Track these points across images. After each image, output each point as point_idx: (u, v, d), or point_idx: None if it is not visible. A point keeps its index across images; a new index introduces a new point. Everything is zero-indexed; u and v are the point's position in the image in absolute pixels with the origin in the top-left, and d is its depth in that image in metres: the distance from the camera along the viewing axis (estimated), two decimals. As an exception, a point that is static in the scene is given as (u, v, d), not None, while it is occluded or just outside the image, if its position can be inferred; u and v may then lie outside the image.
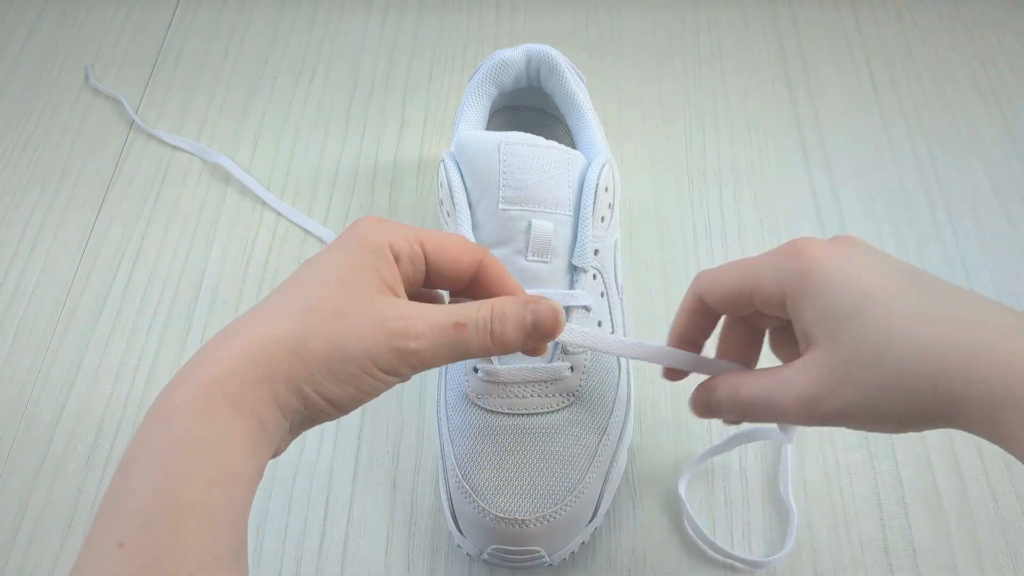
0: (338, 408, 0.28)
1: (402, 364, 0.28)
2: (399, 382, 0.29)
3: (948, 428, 0.27)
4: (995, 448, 0.45)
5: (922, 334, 0.26)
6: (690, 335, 0.34)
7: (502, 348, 0.30)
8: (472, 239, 0.40)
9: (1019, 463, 0.43)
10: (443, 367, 0.43)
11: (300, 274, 0.29)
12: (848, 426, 0.29)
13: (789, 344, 0.33)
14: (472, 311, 0.29)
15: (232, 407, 0.26)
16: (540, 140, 0.40)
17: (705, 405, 0.33)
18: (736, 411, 0.32)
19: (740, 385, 0.31)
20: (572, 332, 0.33)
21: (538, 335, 0.30)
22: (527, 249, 0.39)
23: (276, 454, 0.28)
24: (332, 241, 0.30)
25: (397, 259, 0.30)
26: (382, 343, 0.27)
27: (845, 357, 0.28)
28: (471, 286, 0.32)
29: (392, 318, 0.28)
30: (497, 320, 0.29)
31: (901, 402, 0.27)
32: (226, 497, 0.25)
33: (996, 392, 0.25)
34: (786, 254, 0.30)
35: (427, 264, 0.31)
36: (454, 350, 0.29)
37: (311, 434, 0.45)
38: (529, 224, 0.39)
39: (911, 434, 0.45)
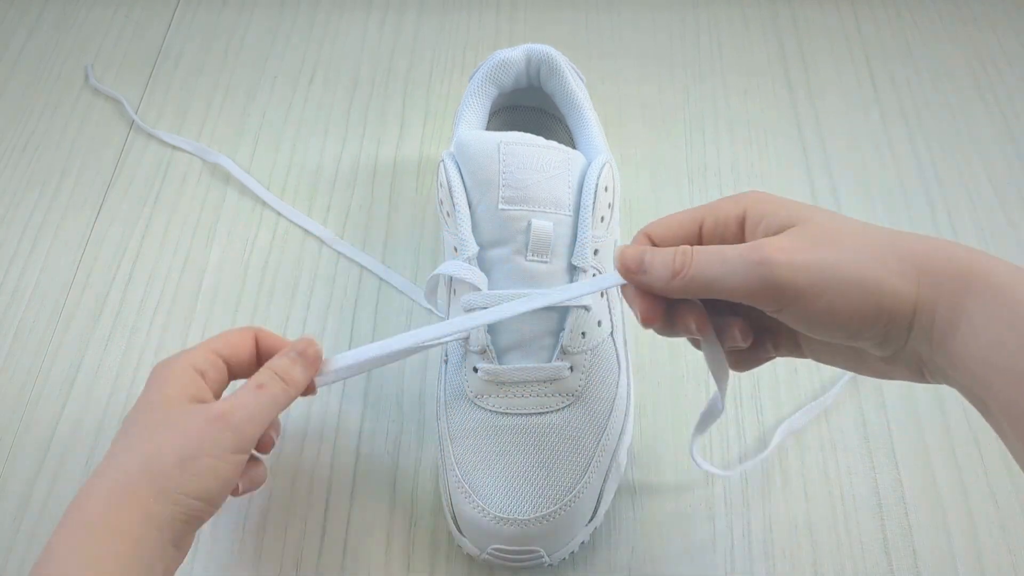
0: (209, 502, 0.33)
1: (242, 438, 0.33)
2: (248, 454, 0.34)
3: (900, 342, 0.27)
4: (995, 448, 0.45)
5: (888, 230, 0.28)
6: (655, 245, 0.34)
7: (296, 386, 0.35)
8: (472, 239, 0.40)
9: (1019, 463, 0.43)
10: (443, 367, 0.43)
11: (133, 415, 0.34)
12: (812, 303, 0.28)
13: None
14: (261, 375, 0.35)
15: (100, 536, 0.30)
16: (540, 140, 0.40)
17: (637, 258, 0.31)
18: (681, 260, 0.30)
19: (695, 247, 0.30)
20: (336, 360, 0.37)
21: (307, 360, 0.36)
22: (527, 249, 0.39)
23: (180, 550, 0.33)
24: (143, 392, 0.35)
25: (203, 374, 0.35)
26: (218, 430, 0.32)
27: (821, 228, 0.28)
28: (260, 361, 0.37)
29: (212, 408, 0.33)
30: (280, 370, 0.35)
31: (872, 268, 0.27)
32: None
33: (963, 274, 0.26)
34: (744, 193, 0.31)
35: (226, 364, 0.36)
36: (269, 406, 0.34)
37: (311, 434, 0.45)
38: (529, 224, 0.39)
39: (911, 434, 0.45)
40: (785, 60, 0.64)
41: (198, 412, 0.33)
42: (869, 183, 0.57)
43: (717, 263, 0.29)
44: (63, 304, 0.51)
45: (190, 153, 0.58)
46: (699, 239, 0.32)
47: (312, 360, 0.36)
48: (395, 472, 0.44)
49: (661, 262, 0.31)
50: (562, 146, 0.40)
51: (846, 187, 0.56)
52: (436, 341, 0.38)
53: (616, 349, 0.42)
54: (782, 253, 0.28)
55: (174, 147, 0.58)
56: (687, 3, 0.68)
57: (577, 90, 0.46)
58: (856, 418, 0.46)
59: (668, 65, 0.63)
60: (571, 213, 0.40)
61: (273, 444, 0.38)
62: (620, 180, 0.46)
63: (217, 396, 0.36)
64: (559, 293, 0.36)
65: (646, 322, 0.32)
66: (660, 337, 0.35)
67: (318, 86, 0.62)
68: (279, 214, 0.55)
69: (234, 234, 0.54)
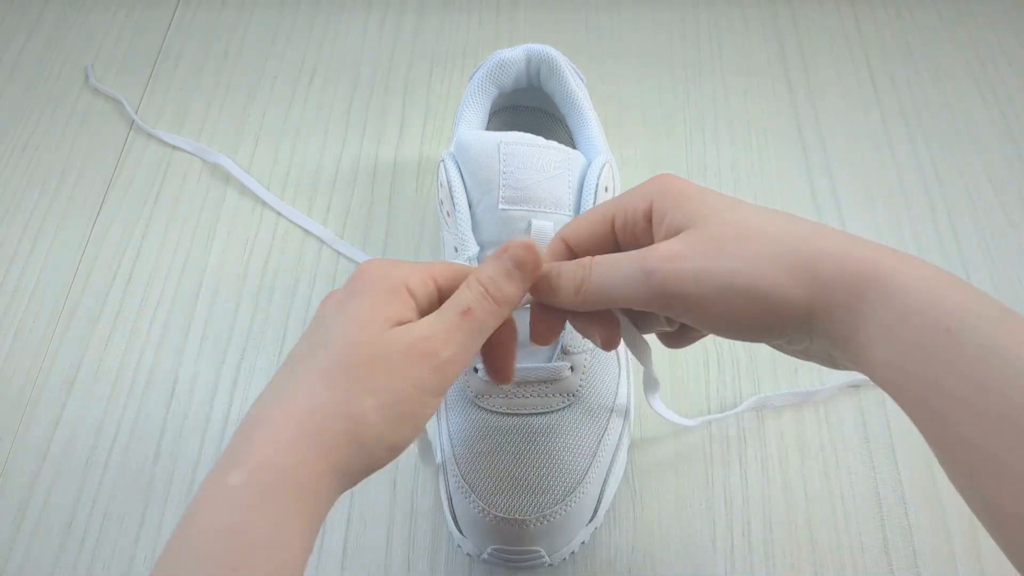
0: (396, 452, 0.28)
1: (445, 379, 0.28)
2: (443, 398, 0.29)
3: (806, 343, 0.27)
4: (995, 448, 0.45)
5: (791, 226, 0.27)
6: (572, 251, 0.33)
7: (509, 305, 0.30)
8: (472, 239, 0.40)
9: (939, 461, 0.43)
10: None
11: (322, 327, 0.28)
12: (705, 313, 0.27)
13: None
14: (464, 294, 0.29)
15: (292, 494, 0.25)
16: (540, 140, 0.40)
17: (544, 278, 0.31)
18: (581, 275, 0.30)
19: (594, 258, 0.30)
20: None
21: (526, 271, 0.30)
22: (527, 249, 0.39)
23: None
24: (343, 287, 0.30)
25: (413, 296, 0.29)
26: (423, 371, 0.27)
27: (713, 233, 0.27)
28: None
29: (416, 342, 0.28)
30: (491, 286, 0.29)
31: (763, 277, 0.26)
32: None
33: (859, 277, 0.25)
34: (651, 180, 0.31)
35: (439, 296, 0.31)
36: (476, 335, 0.29)
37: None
38: (529, 224, 0.39)
39: (911, 434, 0.45)
40: (785, 60, 0.64)
41: (400, 341, 0.27)
42: (869, 183, 0.57)
43: (612, 274, 0.29)
44: (63, 304, 0.51)
45: (190, 153, 0.58)
46: (613, 238, 0.32)
47: (532, 271, 0.30)
48: (395, 472, 0.44)
49: (567, 278, 0.30)
50: (562, 146, 0.40)
51: (846, 187, 0.56)
52: None
53: (616, 350, 0.42)
54: (667, 263, 0.27)
55: (174, 147, 0.58)
56: (687, 3, 0.68)
57: (577, 90, 0.46)
58: (856, 418, 0.46)
59: (668, 65, 0.63)
60: (571, 213, 0.40)
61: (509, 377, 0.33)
62: (620, 180, 0.46)
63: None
64: None
65: (538, 341, 0.32)
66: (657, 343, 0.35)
67: (318, 86, 0.62)
68: (279, 214, 0.55)
69: (234, 234, 0.54)
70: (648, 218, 0.30)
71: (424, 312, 0.30)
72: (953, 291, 0.24)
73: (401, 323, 0.28)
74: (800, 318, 0.26)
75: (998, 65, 0.64)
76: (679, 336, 0.34)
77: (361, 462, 0.27)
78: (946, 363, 0.23)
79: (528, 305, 0.33)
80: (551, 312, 0.32)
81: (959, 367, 0.23)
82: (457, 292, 0.30)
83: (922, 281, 0.24)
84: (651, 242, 0.30)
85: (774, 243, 0.27)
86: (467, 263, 0.39)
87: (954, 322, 0.23)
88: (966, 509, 0.43)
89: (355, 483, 0.27)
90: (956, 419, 0.23)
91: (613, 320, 0.32)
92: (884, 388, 0.25)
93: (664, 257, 0.28)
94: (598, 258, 0.30)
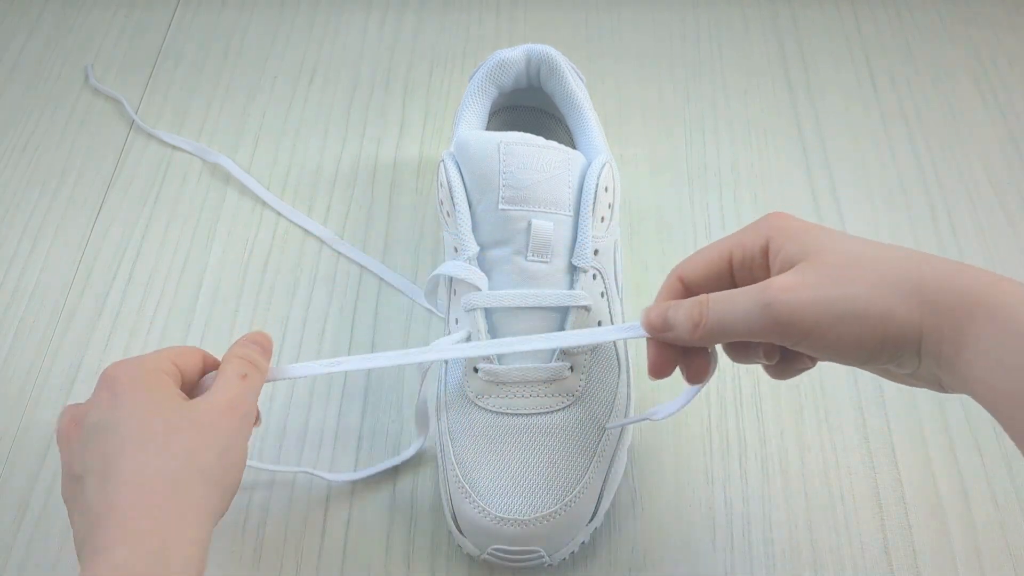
0: (235, 490, 0.33)
1: (248, 428, 0.35)
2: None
3: (914, 365, 0.28)
4: (995, 448, 0.45)
5: (900, 253, 0.29)
6: (687, 289, 0.35)
7: (264, 376, 0.36)
8: (472, 239, 0.40)
9: (1019, 466, 0.43)
10: (443, 367, 0.43)
11: (110, 432, 0.31)
12: (821, 339, 0.29)
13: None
14: (236, 367, 0.35)
15: (173, 543, 0.29)
16: (540, 140, 0.40)
17: (661, 316, 0.33)
18: (699, 311, 0.31)
19: (711, 295, 0.32)
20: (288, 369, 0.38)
21: (265, 347, 0.38)
22: (527, 249, 0.39)
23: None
24: (94, 402, 0.32)
25: (171, 376, 0.34)
26: (234, 422, 0.33)
27: (828, 262, 0.29)
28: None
29: (224, 404, 0.33)
30: (248, 358, 0.36)
31: (880, 303, 0.28)
32: None
33: (966, 300, 0.27)
34: (765, 218, 0.32)
35: (180, 374, 0.35)
36: (255, 393, 0.35)
37: (311, 435, 0.45)
38: (529, 224, 0.39)
39: (911, 434, 0.46)
40: (785, 60, 0.64)
41: (208, 407, 0.33)
42: (869, 183, 0.57)
43: (730, 309, 0.31)
44: (63, 304, 0.51)
45: (190, 153, 0.58)
46: (730, 274, 0.33)
47: (268, 349, 0.38)
48: (395, 472, 0.44)
49: (684, 316, 0.32)
50: (562, 146, 0.40)
51: (846, 187, 0.56)
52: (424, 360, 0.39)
53: (616, 349, 0.42)
54: (786, 293, 0.29)
55: (174, 147, 0.58)
56: (687, 3, 0.68)
57: (577, 90, 0.46)
58: (856, 418, 0.46)
59: (668, 65, 0.63)
60: (571, 213, 0.40)
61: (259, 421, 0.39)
62: (620, 180, 0.46)
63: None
64: (575, 337, 0.37)
65: (657, 375, 0.34)
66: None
67: (318, 86, 0.62)
68: (279, 214, 0.55)
69: (234, 234, 0.54)
70: (765, 254, 0.32)
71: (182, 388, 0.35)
72: None
73: (183, 399, 0.33)
74: (911, 340, 0.28)
75: (998, 65, 0.64)
76: (781, 368, 0.35)
77: (219, 504, 0.32)
78: None
79: (532, 349, 0.37)
80: (668, 347, 0.34)
81: None
82: (224, 368, 0.35)
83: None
84: (767, 277, 0.31)
85: (886, 269, 0.28)
86: (467, 263, 0.39)
87: None
88: (966, 509, 0.43)
89: (223, 513, 0.33)
90: None
91: (705, 354, 0.34)
92: (986, 407, 0.26)
93: (782, 288, 0.29)
94: (714, 295, 0.31)
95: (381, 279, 0.51)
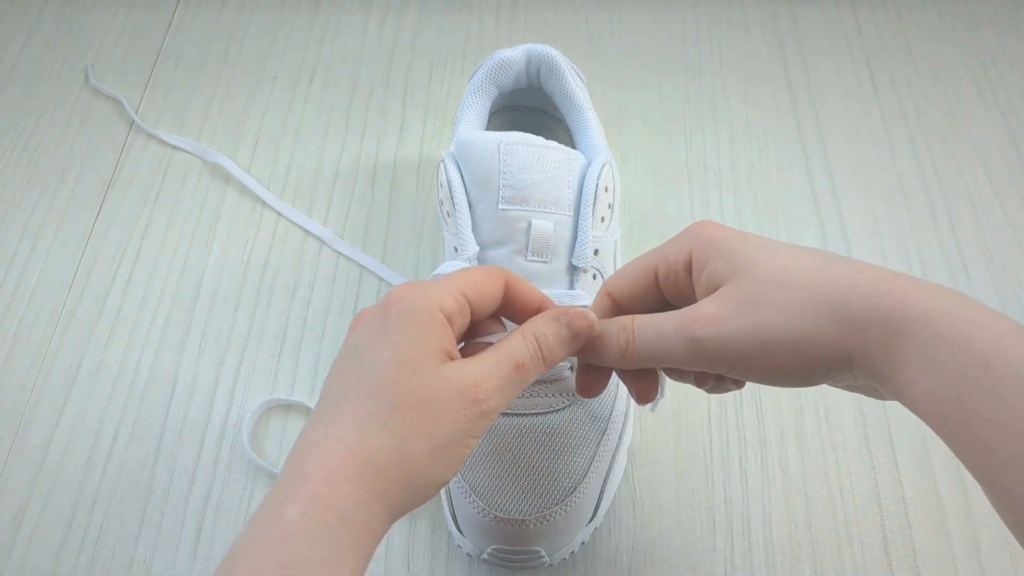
0: (439, 489, 0.29)
1: (485, 424, 0.29)
2: None
3: (850, 380, 0.28)
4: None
5: (828, 269, 0.28)
6: (617, 304, 0.34)
7: (553, 366, 0.31)
8: (472, 239, 0.40)
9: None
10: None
11: (365, 360, 0.28)
12: (749, 367, 0.28)
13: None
14: (520, 347, 0.30)
15: (347, 532, 0.25)
16: (540, 140, 0.40)
17: (587, 331, 0.31)
18: (625, 338, 0.31)
19: (636, 320, 0.31)
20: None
21: (579, 341, 0.31)
22: (527, 249, 0.39)
23: None
24: (378, 313, 0.29)
25: (450, 320, 0.29)
26: (469, 416, 0.28)
27: (753, 284, 0.28)
28: (501, 307, 0.33)
29: (467, 388, 0.28)
30: (544, 347, 0.30)
31: (805, 328, 0.27)
32: None
33: (895, 317, 0.26)
34: (690, 228, 0.31)
35: (471, 309, 0.31)
36: (520, 387, 0.30)
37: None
38: (529, 224, 0.39)
39: (911, 434, 0.46)
40: (785, 60, 0.64)
41: (451, 385, 0.28)
42: (869, 183, 0.57)
43: (656, 340, 0.30)
44: (63, 304, 0.51)
45: (190, 153, 0.58)
46: (656, 288, 0.33)
47: (584, 339, 0.31)
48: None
49: (612, 342, 0.31)
50: (562, 146, 0.40)
51: (846, 187, 0.56)
52: None
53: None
54: (710, 327, 0.28)
55: (174, 147, 0.58)
56: (687, 4, 0.68)
57: (577, 90, 0.46)
58: (856, 418, 0.46)
59: (668, 65, 0.63)
60: (571, 213, 0.40)
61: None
62: (620, 180, 0.46)
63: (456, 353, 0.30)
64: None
65: (587, 395, 0.34)
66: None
67: (318, 86, 0.62)
68: (279, 214, 0.55)
69: (234, 234, 0.54)
70: (688, 269, 0.31)
71: (459, 328, 0.30)
72: (986, 326, 0.25)
73: (446, 355, 0.29)
74: (841, 360, 0.27)
75: (998, 65, 0.64)
76: (717, 385, 0.34)
77: (410, 500, 0.27)
78: (985, 396, 0.24)
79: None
80: (597, 368, 0.33)
81: (997, 399, 0.23)
82: (511, 341, 0.30)
83: (956, 317, 0.25)
84: (692, 292, 0.31)
85: (811, 291, 0.27)
86: (467, 263, 0.39)
87: (990, 358, 0.24)
88: (966, 509, 0.43)
89: (400, 516, 0.28)
90: (997, 447, 0.23)
91: (652, 375, 0.33)
92: (927, 422, 0.26)
93: (706, 321, 0.29)
94: (639, 321, 0.31)
95: (381, 279, 0.51)
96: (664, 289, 0.32)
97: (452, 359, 0.29)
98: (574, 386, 0.39)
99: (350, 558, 0.25)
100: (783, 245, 0.30)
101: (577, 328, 0.31)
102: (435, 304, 0.29)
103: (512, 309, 0.33)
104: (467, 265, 0.39)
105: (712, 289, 0.30)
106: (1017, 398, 0.23)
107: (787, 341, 0.27)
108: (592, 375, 0.34)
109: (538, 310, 0.32)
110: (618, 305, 0.33)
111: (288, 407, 0.47)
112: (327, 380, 0.29)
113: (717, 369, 0.29)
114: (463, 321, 0.30)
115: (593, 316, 0.31)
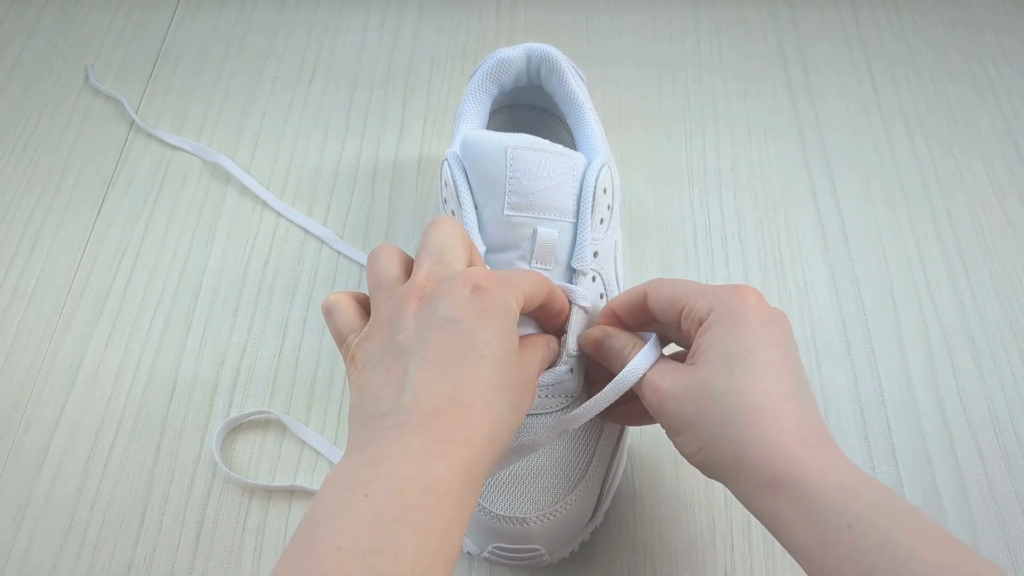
0: None
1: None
2: None
3: (733, 490, 0.32)
4: (995, 448, 0.45)
5: (765, 400, 0.31)
6: (617, 317, 0.38)
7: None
8: (480, 240, 0.39)
9: (1019, 466, 0.43)
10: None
11: (462, 331, 0.30)
12: (680, 434, 0.33)
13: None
14: (547, 352, 0.37)
15: (473, 493, 0.29)
16: (546, 144, 0.39)
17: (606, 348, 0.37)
18: (627, 354, 0.36)
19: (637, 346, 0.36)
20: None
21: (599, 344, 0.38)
22: (531, 256, 0.39)
23: None
24: (460, 291, 0.31)
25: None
26: (528, 400, 0.33)
27: (709, 381, 0.32)
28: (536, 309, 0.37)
29: (534, 379, 0.34)
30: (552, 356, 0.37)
31: (711, 433, 0.31)
32: (442, 528, 0.27)
33: (780, 472, 0.29)
34: (732, 291, 0.34)
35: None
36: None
37: (312, 433, 0.45)
38: (535, 232, 0.39)
39: (911, 434, 0.46)
40: (785, 61, 0.64)
41: (529, 375, 0.33)
42: (869, 183, 0.57)
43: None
44: (63, 304, 0.51)
45: (190, 153, 0.58)
46: (645, 307, 0.37)
47: (554, 353, 0.38)
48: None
49: (614, 353, 0.37)
50: (567, 150, 0.40)
51: (846, 187, 0.56)
52: None
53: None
54: (669, 400, 0.33)
55: (174, 147, 0.58)
56: (687, 4, 0.68)
57: (577, 90, 0.46)
58: (856, 418, 0.46)
59: (668, 66, 0.63)
60: (574, 219, 0.40)
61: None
62: (619, 181, 0.46)
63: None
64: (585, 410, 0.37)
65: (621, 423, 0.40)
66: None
67: (318, 86, 0.62)
68: (279, 214, 0.55)
69: (234, 234, 0.54)
70: (700, 323, 0.34)
71: None
72: (856, 493, 0.28)
73: (514, 350, 0.32)
74: (728, 475, 0.32)
75: (998, 65, 0.64)
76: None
77: (489, 463, 0.30)
78: (847, 555, 0.27)
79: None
80: (636, 405, 0.37)
81: (856, 559, 0.27)
82: (535, 347, 0.35)
83: (831, 484, 0.28)
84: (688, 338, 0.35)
85: (727, 429, 0.31)
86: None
87: (854, 520, 0.27)
88: (966, 509, 0.43)
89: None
90: None
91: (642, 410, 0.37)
92: (802, 566, 0.29)
93: (669, 375, 0.34)
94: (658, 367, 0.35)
95: (381, 279, 0.51)
96: (654, 310, 0.36)
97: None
98: (574, 387, 0.40)
99: (468, 511, 0.28)
100: (766, 355, 0.32)
101: (547, 343, 0.37)
102: (515, 302, 0.32)
103: (543, 313, 0.37)
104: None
105: (696, 352, 0.33)
106: (871, 556, 0.27)
107: (699, 432, 0.32)
108: (631, 410, 0.38)
109: (559, 315, 0.37)
110: (644, 306, 0.37)
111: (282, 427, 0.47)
112: (411, 344, 0.30)
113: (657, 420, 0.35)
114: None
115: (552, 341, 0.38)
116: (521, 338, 0.35)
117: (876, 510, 0.27)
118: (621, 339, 0.37)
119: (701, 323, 0.34)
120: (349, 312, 0.33)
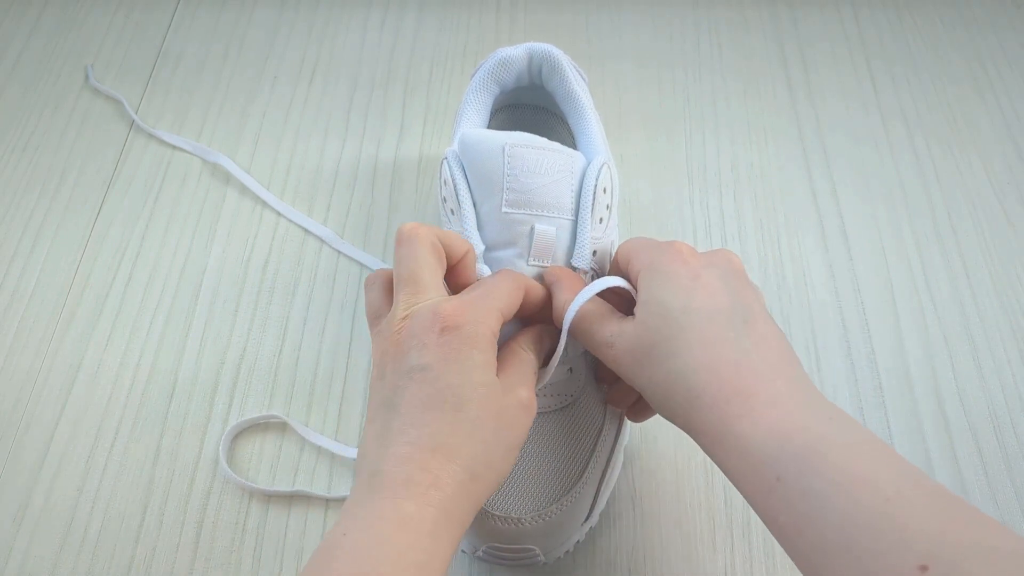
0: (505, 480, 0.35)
1: (531, 423, 0.34)
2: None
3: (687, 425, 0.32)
4: (995, 448, 0.45)
5: (700, 354, 0.32)
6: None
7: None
8: (478, 238, 0.39)
9: (1019, 466, 0.43)
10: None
11: (433, 377, 0.31)
12: (642, 391, 0.34)
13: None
14: (533, 361, 0.36)
15: (451, 529, 0.30)
16: (544, 142, 0.40)
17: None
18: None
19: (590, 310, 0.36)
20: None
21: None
22: (529, 253, 0.39)
23: None
24: (428, 333, 0.32)
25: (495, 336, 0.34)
26: (526, 422, 0.33)
27: (642, 339, 0.33)
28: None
29: (525, 402, 0.33)
30: (538, 359, 0.36)
31: (658, 393, 0.33)
32: None
33: (710, 432, 0.31)
34: (665, 246, 0.35)
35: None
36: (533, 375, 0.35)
37: (324, 438, 0.45)
38: (532, 229, 0.39)
39: (911, 433, 0.46)
40: (785, 61, 0.64)
41: (516, 401, 0.33)
42: (869, 183, 0.57)
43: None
44: (63, 304, 0.51)
45: (190, 153, 0.58)
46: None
47: (544, 345, 0.37)
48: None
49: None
50: (566, 148, 0.40)
51: (846, 187, 0.56)
52: None
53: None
54: (616, 339, 0.35)
55: (174, 147, 0.58)
56: (687, 3, 0.68)
57: (579, 89, 0.46)
58: (856, 418, 0.46)
59: (668, 65, 0.63)
60: (572, 217, 0.40)
61: None
62: (619, 181, 0.46)
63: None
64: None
65: (615, 406, 0.40)
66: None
67: (318, 86, 0.62)
68: (279, 214, 0.55)
69: (234, 234, 0.54)
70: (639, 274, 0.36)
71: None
72: (786, 441, 0.29)
73: (496, 371, 0.33)
74: (682, 414, 0.33)
75: (998, 65, 0.64)
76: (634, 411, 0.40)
77: (489, 493, 0.32)
78: (780, 505, 0.28)
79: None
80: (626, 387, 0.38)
81: (787, 509, 0.28)
82: (524, 357, 0.35)
83: (762, 434, 0.29)
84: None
85: (668, 389, 0.32)
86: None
87: (783, 472, 0.28)
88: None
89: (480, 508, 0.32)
90: (791, 538, 0.28)
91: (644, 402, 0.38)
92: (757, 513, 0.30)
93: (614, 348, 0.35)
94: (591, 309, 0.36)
95: (381, 279, 0.51)
96: (621, 271, 0.38)
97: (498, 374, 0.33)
98: (571, 387, 0.40)
99: (448, 546, 0.29)
100: (701, 305, 0.33)
101: (536, 336, 0.37)
102: (489, 331, 0.32)
103: (525, 312, 0.37)
104: (478, 265, 0.39)
105: (636, 307, 0.34)
106: (799, 502, 0.28)
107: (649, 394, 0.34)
108: (622, 390, 0.39)
109: (542, 306, 0.37)
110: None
111: (283, 432, 0.47)
112: (391, 396, 0.32)
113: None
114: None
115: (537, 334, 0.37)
116: (503, 352, 0.35)
117: (802, 459, 0.28)
118: (563, 288, 0.37)
119: (639, 273, 0.35)
120: (374, 294, 0.36)
